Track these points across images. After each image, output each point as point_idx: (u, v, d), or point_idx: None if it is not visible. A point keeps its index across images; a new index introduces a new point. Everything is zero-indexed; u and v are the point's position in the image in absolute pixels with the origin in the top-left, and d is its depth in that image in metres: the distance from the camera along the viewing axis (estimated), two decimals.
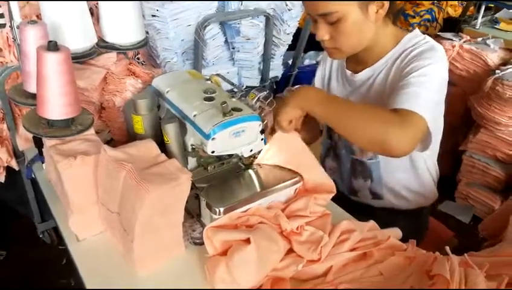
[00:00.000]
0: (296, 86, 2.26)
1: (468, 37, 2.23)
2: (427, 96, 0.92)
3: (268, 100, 0.96)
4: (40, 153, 1.12)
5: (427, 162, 1.16)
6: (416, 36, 1.05)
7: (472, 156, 2.13)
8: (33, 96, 0.99)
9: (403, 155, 0.88)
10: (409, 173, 1.16)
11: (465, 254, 0.82)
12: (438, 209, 2.20)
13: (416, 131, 0.89)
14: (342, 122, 0.91)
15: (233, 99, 0.95)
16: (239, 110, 0.91)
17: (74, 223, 0.92)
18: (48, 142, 0.92)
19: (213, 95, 0.97)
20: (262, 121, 0.94)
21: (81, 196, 0.89)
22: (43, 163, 1.14)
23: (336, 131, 0.98)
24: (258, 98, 0.96)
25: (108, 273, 0.87)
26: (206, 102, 0.94)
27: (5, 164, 1.55)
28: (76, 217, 0.91)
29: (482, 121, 2.02)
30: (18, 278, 1.79)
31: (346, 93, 1.16)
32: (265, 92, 0.96)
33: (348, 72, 1.14)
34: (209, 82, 1.04)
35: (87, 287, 0.85)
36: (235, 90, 0.99)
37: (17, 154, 1.56)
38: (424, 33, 1.06)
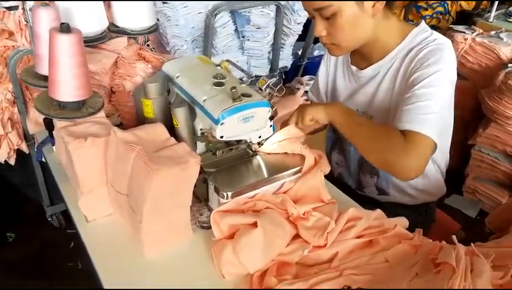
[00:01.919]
0: (305, 76, 2.26)
1: (481, 30, 2.20)
2: (434, 109, 0.92)
3: (278, 87, 0.96)
4: (51, 136, 1.14)
5: (436, 160, 1.15)
6: (422, 31, 1.02)
7: (481, 150, 2.11)
8: (45, 78, 1.00)
9: (409, 179, 0.93)
10: None
11: (472, 244, 0.82)
12: (445, 203, 2.19)
13: (423, 155, 0.91)
14: (356, 138, 0.97)
15: (243, 85, 0.96)
16: (248, 95, 0.91)
17: (84, 204, 0.93)
18: (58, 124, 0.93)
19: (223, 80, 0.97)
20: (272, 107, 0.94)
21: (91, 177, 0.90)
22: (53, 145, 1.15)
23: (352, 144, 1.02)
24: (268, 84, 0.96)
25: (116, 254, 0.88)
26: (216, 87, 0.94)
27: (16, 147, 1.57)
28: (86, 198, 0.92)
29: (493, 115, 2.00)
30: (26, 260, 1.82)
31: (352, 90, 1.15)
32: (275, 79, 0.96)
33: (354, 68, 1.13)
34: (219, 68, 1.04)
35: (96, 267, 0.86)
36: (244, 79, 0.99)
37: (27, 137, 1.58)
38: (435, 26, 1.05)
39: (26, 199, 1.97)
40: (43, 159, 1.23)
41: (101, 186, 0.92)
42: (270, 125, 0.96)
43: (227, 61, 1.06)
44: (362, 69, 1.10)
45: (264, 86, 0.95)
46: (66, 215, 1.95)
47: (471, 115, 2.21)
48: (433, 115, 0.91)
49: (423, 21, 1.06)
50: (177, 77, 1.02)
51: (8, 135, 1.54)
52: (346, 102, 1.16)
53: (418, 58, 0.98)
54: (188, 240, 0.91)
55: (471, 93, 2.15)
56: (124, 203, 0.89)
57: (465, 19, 2.62)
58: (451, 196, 2.25)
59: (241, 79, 1.00)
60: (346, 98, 1.17)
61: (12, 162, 1.60)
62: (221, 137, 0.90)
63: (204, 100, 0.92)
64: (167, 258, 0.87)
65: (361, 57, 1.09)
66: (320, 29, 0.98)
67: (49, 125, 1.11)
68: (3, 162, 1.59)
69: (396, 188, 1.19)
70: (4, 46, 1.56)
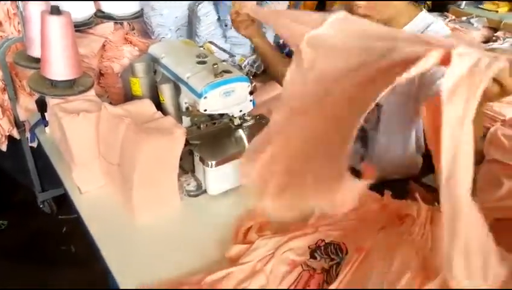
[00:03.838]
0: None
1: (453, 17, 2.30)
2: None
3: (256, 64, 1.03)
4: (43, 117, 1.19)
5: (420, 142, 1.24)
6: (427, 17, 1.09)
7: None
8: (36, 60, 1.06)
9: None
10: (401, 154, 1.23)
11: (436, 203, 0.91)
12: (423, 181, 2.30)
13: None
14: None
15: (224, 63, 1.03)
16: (229, 72, 0.99)
17: (77, 176, 0.99)
18: (51, 102, 0.99)
19: (205, 59, 1.04)
20: (251, 83, 1.01)
21: (84, 149, 0.96)
22: (45, 127, 1.21)
23: None
24: (247, 62, 1.04)
25: (110, 222, 0.95)
26: (199, 65, 1.01)
27: (7, 133, 1.62)
28: (79, 170, 0.98)
29: None
30: (19, 247, 1.87)
31: None
32: (253, 57, 1.03)
33: None
34: (201, 48, 1.11)
35: (92, 234, 0.93)
36: (225, 60, 1.06)
37: (18, 124, 1.62)
38: None
39: (18, 186, 2.00)
40: (36, 141, 1.29)
41: (93, 159, 0.99)
42: (250, 100, 1.04)
43: (210, 42, 1.14)
44: None
45: (244, 64, 1.02)
46: (58, 201, 1.99)
47: None
48: None
49: (424, 8, 1.12)
50: (163, 57, 1.09)
51: None
52: None
53: None
54: (176, 207, 0.99)
55: None
56: (115, 174, 0.96)
57: (441, 6, 2.73)
58: (428, 175, 2.35)
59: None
60: None
61: (4, 148, 1.65)
62: (205, 110, 0.98)
63: (188, 77, 0.99)
64: (157, 224, 0.94)
65: None
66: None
67: (41, 106, 1.17)
68: None
69: (378, 166, 1.27)
70: None
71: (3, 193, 2.06)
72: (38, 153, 1.58)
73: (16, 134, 1.63)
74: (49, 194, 1.93)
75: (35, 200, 1.95)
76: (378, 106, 1.17)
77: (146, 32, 1.98)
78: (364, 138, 1.24)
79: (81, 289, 1.69)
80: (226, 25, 2.07)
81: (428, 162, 1.44)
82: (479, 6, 2.41)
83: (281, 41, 2.51)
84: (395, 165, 1.27)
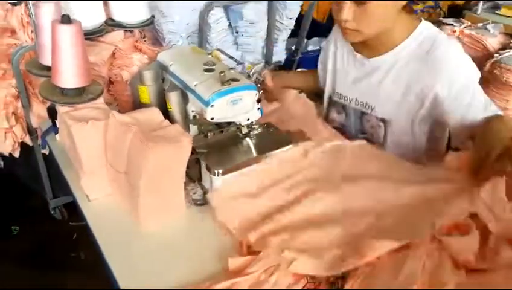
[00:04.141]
0: (298, 70, 2.33)
1: (469, 23, 2.26)
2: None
3: (264, 72, 1.02)
4: (54, 124, 1.21)
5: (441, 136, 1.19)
6: (427, 28, 1.06)
7: None
8: (48, 68, 1.07)
9: None
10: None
11: None
12: None
13: None
14: None
15: (232, 71, 1.02)
16: (236, 80, 0.98)
17: (85, 184, 0.99)
18: (61, 109, 1.00)
19: (213, 67, 1.04)
20: (259, 91, 1.01)
21: (93, 157, 0.97)
22: (56, 134, 1.22)
23: None
24: (256, 69, 1.03)
25: (117, 229, 0.95)
26: (206, 73, 1.01)
27: (20, 140, 1.64)
28: (87, 178, 0.99)
29: None
30: (31, 252, 1.89)
31: (355, 78, 1.17)
32: (261, 65, 1.03)
33: (359, 56, 1.14)
34: (209, 56, 1.11)
35: (98, 242, 0.93)
36: (233, 67, 1.05)
37: (30, 131, 1.64)
38: (426, 20, 1.08)
39: (30, 192, 2.03)
40: (48, 148, 1.30)
41: (101, 167, 0.99)
42: (258, 108, 1.03)
43: (218, 50, 1.13)
44: (366, 58, 1.13)
45: (251, 72, 1.01)
46: (69, 208, 2.01)
47: None
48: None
49: (423, 19, 1.09)
50: (171, 65, 1.09)
51: (13, 129, 1.61)
52: (348, 90, 1.20)
53: (436, 68, 1.01)
54: (183, 215, 0.98)
55: None
56: (122, 181, 0.96)
57: (457, 13, 2.69)
58: None
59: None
60: (348, 86, 1.20)
61: (16, 155, 1.67)
62: (212, 119, 0.97)
63: (195, 85, 0.98)
64: (162, 232, 0.93)
65: (365, 47, 1.11)
66: (347, 12, 0.98)
67: (52, 114, 1.18)
68: (7, 155, 1.66)
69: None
70: (7, 45, 1.64)
71: (15, 199, 2.09)
72: (50, 159, 1.60)
73: (28, 140, 1.65)
74: (61, 200, 1.95)
75: (46, 207, 1.97)
76: (384, 122, 1.15)
77: (157, 40, 2.00)
78: (376, 133, 1.21)
79: None
80: (237, 32, 2.08)
81: None
82: (496, 12, 2.37)
83: (293, 47, 2.51)
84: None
